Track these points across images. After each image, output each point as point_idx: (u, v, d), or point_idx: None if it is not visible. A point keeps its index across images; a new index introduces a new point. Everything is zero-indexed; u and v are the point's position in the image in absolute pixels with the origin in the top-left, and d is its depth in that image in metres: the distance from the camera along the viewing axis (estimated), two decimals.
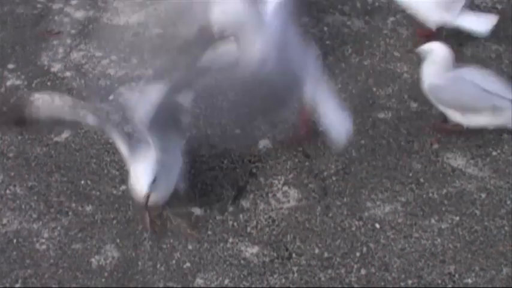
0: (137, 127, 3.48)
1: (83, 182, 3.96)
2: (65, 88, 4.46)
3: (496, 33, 4.72)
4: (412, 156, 4.08)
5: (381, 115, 4.30)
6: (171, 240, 3.72)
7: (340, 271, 3.60)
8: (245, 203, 3.88)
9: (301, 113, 4.01)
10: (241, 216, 3.83)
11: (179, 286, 3.56)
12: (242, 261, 3.65)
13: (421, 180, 3.97)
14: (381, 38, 4.77)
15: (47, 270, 3.62)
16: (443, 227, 3.77)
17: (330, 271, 3.61)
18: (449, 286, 3.54)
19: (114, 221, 3.79)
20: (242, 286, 3.56)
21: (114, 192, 3.91)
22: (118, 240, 3.72)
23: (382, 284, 3.56)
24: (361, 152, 4.10)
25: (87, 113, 3.49)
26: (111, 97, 4.40)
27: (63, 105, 3.50)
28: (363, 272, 3.60)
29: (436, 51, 4.01)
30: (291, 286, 3.56)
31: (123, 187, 3.91)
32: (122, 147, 3.57)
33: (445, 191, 3.92)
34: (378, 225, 3.78)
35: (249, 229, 3.77)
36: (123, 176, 3.90)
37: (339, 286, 3.55)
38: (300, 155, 4.09)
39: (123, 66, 4.60)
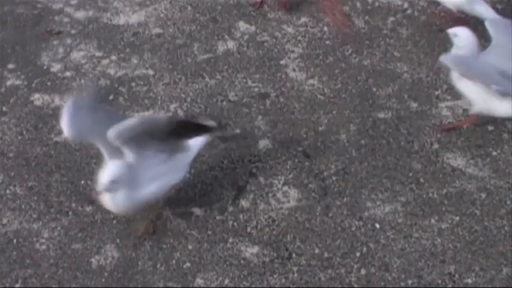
0: (114, 138, 3.47)
1: (83, 182, 3.96)
2: (65, 88, 4.46)
3: None
4: (412, 156, 4.08)
5: (381, 115, 4.30)
6: (171, 240, 3.72)
7: (340, 271, 3.61)
8: (245, 203, 3.88)
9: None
10: (241, 216, 3.83)
11: (179, 286, 3.56)
12: (242, 261, 3.65)
13: (421, 180, 3.97)
14: (381, 38, 4.77)
15: (47, 270, 3.62)
16: (443, 227, 3.77)
17: (330, 271, 3.61)
18: (449, 286, 3.54)
19: (114, 221, 3.80)
20: (242, 286, 3.56)
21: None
22: (118, 240, 3.72)
23: (382, 284, 3.56)
24: (361, 152, 4.10)
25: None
26: (111, 97, 4.41)
27: None
28: (363, 272, 3.60)
29: (462, 37, 4.01)
30: (291, 286, 3.56)
31: None
32: (104, 152, 3.58)
33: (445, 191, 3.92)
34: (378, 225, 3.78)
35: (249, 229, 3.77)
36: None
37: (339, 286, 3.55)
38: (300, 155, 4.10)
39: (123, 66, 4.60)
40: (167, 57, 4.65)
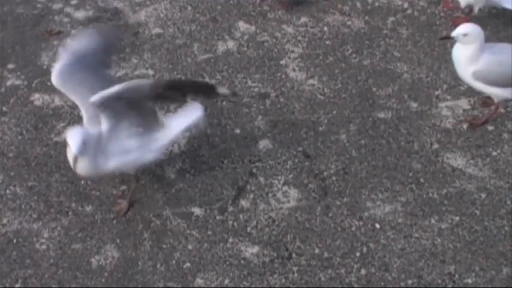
0: (95, 105, 3.52)
1: (83, 182, 3.96)
2: None
3: (496, 33, 4.72)
4: (412, 156, 4.08)
5: (381, 115, 4.30)
6: (171, 240, 3.72)
7: (340, 271, 3.61)
8: (245, 203, 3.88)
9: None
10: (241, 216, 3.83)
11: (179, 286, 3.56)
12: (242, 261, 3.65)
13: (421, 180, 3.97)
14: (381, 38, 4.77)
15: (47, 270, 3.62)
16: (443, 227, 3.77)
17: (330, 271, 3.61)
18: (449, 286, 3.54)
19: (114, 221, 3.80)
20: (242, 286, 3.56)
21: (114, 192, 3.91)
22: (118, 240, 3.72)
23: (382, 284, 3.56)
24: (361, 152, 4.10)
25: None
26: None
27: None
28: (363, 272, 3.60)
29: (474, 34, 3.98)
30: (291, 286, 3.56)
31: (123, 187, 3.91)
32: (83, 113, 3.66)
33: (445, 191, 3.92)
34: (378, 225, 3.78)
35: (249, 229, 3.77)
36: (123, 176, 3.90)
37: (339, 286, 3.55)
38: (300, 155, 4.10)
39: (123, 66, 4.60)
40: (167, 57, 4.65)
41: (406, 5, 5.00)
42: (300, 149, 4.13)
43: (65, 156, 4.05)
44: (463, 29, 3.99)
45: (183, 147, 4.13)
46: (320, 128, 4.22)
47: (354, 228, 3.77)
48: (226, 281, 3.58)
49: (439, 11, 4.92)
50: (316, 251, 3.69)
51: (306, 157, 4.08)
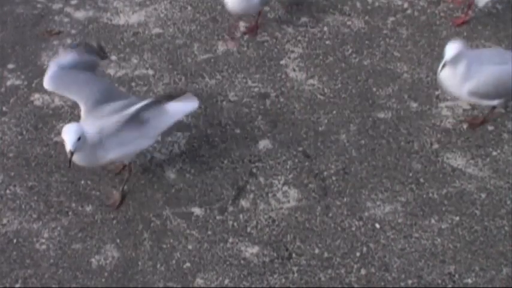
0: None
1: (82, 182, 3.96)
2: None
3: (496, 33, 4.73)
4: (412, 156, 4.08)
5: (381, 115, 4.30)
6: (171, 240, 3.72)
7: (340, 271, 3.61)
8: (245, 203, 3.88)
9: None
10: (241, 216, 3.83)
11: (179, 286, 3.56)
12: (242, 261, 3.65)
13: (421, 180, 3.97)
14: (381, 38, 4.77)
15: (47, 270, 3.62)
16: (443, 227, 3.77)
17: (330, 271, 3.61)
18: (449, 286, 3.54)
19: (114, 221, 3.80)
20: (242, 286, 3.56)
21: (114, 192, 3.91)
22: (118, 240, 3.72)
23: (382, 284, 3.56)
24: (361, 152, 4.10)
25: None
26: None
27: None
28: (363, 272, 3.60)
29: (462, 50, 3.89)
30: (291, 286, 3.56)
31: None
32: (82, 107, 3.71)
33: (445, 191, 3.92)
34: (378, 225, 3.78)
35: (249, 229, 3.77)
36: (123, 176, 3.90)
37: (339, 286, 3.55)
38: (300, 155, 4.10)
39: (123, 66, 4.60)
40: (167, 57, 4.65)
41: (406, 5, 5.00)
42: (300, 149, 4.13)
43: (65, 156, 4.06)
44: (453, 49, 3.87)
45: (183, 147, 4.13)
46: (320, 128, 4.22)
47: (354, 228, 3.77)
48: (226, 281, 3.58)
49: (439, 11, 4.92)
50: (316, 251, 3.69)
51: (306, 157, 4.08)
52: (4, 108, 4.36)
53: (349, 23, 4.87)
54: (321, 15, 4.92)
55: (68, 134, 3.46)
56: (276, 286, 3.56)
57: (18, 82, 4.51)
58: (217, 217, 3.82)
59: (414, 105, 4.35)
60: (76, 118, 4.25)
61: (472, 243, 3.70)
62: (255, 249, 3.69)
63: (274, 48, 4.71)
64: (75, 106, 4.33)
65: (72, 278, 3.59)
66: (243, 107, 4.34)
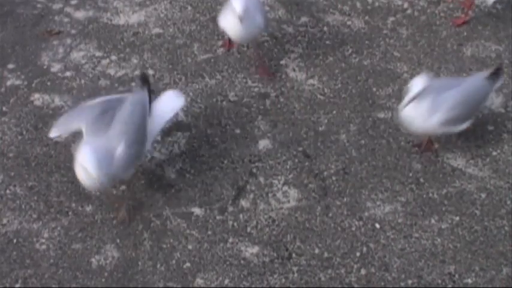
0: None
1: None
2: (65, 88, 4.46)
3: (496, 33, 4.73)
4: (412, 156, 4.08)
5: (381, 115, 4.30)
6: (171, 240, 3.72)
7: (340, 271, 3.61)
8: (245, 203, 3.88)
9: None
10: (241, 216, 3.83)
11: (179, 286, 3.56)
12: (242, 261, 3.65)
13: (421, 180, 3.97)
14: (381, 38, 4.77)
15: (47, 270, 3.62)
16: (443, 227, 3.77)
17: (330, 271, 3.61)
18: (449, 286, 3.54)
19: (114, 221, 3.80)
20: (242, 286, 3.56)
21: (114, 192, 3.91)
22: (118, 240, 3.72)
23: (382, 284, 3.56)
24: (361, 152, 4.10)
25: None
26: None
27: None
28: (363, 272, 3.60)
29: (420, 88, 3.76)
30: (291, 286, 3.56)
31: (123, 187, 3.91)
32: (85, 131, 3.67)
33: (445, 191, 3.92)
34: (378, 225, 3.78)
35: (249, 229, 3.77)
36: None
37: (339, 286, 3.55)
38: (300, 155, 4.10)
39: (123, 66, 4.60)
40: (167, 57, 4.65)
41: (406, 5, 4.99)
42: (300, 149, 4.13)
43: (65, 156, 4.07)
44: (418, 85, 3.75)
45: (183, 147, 4.13)
46: (320, 128, 4.22)
47: (354, 228, 3.77)
48: (226, 281, 3.58)
49: (439, 11, 4.92)
50: (316, 251, 3.69)
51: (306, 157, 4.08)
52: (4, 108, 4.36)
53: (349, 23, 4.87)
54: (321, 15, 4.92)
55: (91, 160, 3.44)
56: (276, 286, 3.56)
57: (18, 82, 4.51)
58: (217, 217, 3.82)
59: None
60: None
61: (472, 243, 3.70)
62: (255, 249, 3.69)
63: (274, 48, 4.71)
64: (75, 106, 4.34)
65: (72, 278, 3.59)
66: (243, 107, 4.34)
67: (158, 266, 3.63)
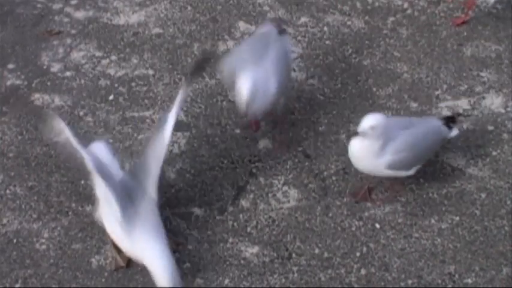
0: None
1: (83, 182, 3.96)
2: (65, 88, 4.46)
3: (496, 33, 4.72)
4: None
5: None
6: (171, 240, 3.72)
7: (340, 271, 3.61)
8: (245, 203, 3.88)
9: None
10: (241, 216, 3.83)
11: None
12: (242, 261, 3.65)
13: (421, 180, 3.97)
14: (381, 38, 4.77)
15: (47, 270, 3.62)
16: (443, 227, 3.77)
17: (330, 271, 3.61)
18: (449, 286, 3.54)
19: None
20: (242, 286, 3.56)
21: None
22: None
23: (382, 284, 3.56)
24: None
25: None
26: (111, 97, 4.40)
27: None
28: (363, 272, 3.60)
29: (381, 124, 3.58)
30: (291, 286, 3.56)
31: None
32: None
33: (445, 191, 3.92)
34: (378, 225, 3.78)
35: (249, 229, 3.77)
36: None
37: (339, 286, 3.55)
38: (300, 155, 4.10)
39: (123, 66, 4.60)
40: (167, 57, 4.65)
41: (406, 5, 4.99)
42: (300, 149, 4.13)
43: (65, 156, 4.06)
44: (370, 121, 3.55)
45: (183, 147, 4.13)
46: (320, 128, 4.22)
47: (354, 228, 3.77)
48: (226, 281, 3.58)
49: (439, 11, 4.91)
50: (316, 251, 3.69)
51: (306, 157, 4.08)
52: (4, 108, 4.36)
53: (349, 23, 4.87)
54: (321, 15, 4.92)
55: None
56: (276, 286, 3.56)
57: (18, 82, 4.51)
58: (217, 217, 3.82)
59: (414, 105, 4.35)
60: (76, 118, 4.26)
61: (472, 243, 3.70)
62: (255, 249, 3.69)
63: None
64: (75, 106, 4.34)
65: (72, 278, 3.59)
66: None
67: None
